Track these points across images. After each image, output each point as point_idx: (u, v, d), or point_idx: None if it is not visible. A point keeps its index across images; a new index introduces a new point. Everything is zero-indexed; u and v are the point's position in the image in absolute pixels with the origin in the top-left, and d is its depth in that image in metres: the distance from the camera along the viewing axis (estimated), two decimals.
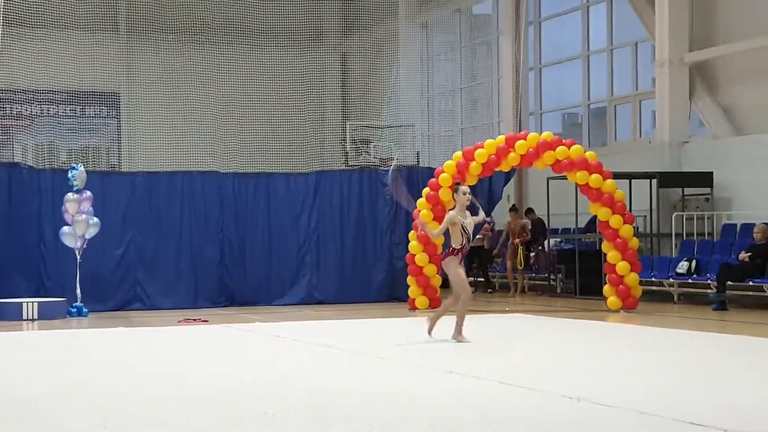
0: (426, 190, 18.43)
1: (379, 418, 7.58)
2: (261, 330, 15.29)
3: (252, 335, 14.73)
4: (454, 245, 12.51)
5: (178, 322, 16.62)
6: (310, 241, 20.88)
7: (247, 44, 31.95)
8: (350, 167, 24.90)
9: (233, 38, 31.96)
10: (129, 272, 19.87)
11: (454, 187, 13.03)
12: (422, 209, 18.30)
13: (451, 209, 13.02)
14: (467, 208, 12.64)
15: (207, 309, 19.14)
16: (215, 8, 31.90)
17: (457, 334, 12.56)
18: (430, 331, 12.80)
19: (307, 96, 32.99)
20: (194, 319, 16.91)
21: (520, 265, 22.82)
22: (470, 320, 14.19)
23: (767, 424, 7.15)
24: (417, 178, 20.66)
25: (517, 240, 22.81)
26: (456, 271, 12.51)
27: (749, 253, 17.68)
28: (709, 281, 18.29)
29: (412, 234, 18.48)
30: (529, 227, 23.60)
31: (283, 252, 20.74)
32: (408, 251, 18.65)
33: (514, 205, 23.21)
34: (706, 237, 20.53)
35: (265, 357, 12.00)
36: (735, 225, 20.22)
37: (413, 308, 18.49)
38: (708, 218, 20.76)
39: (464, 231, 12.43)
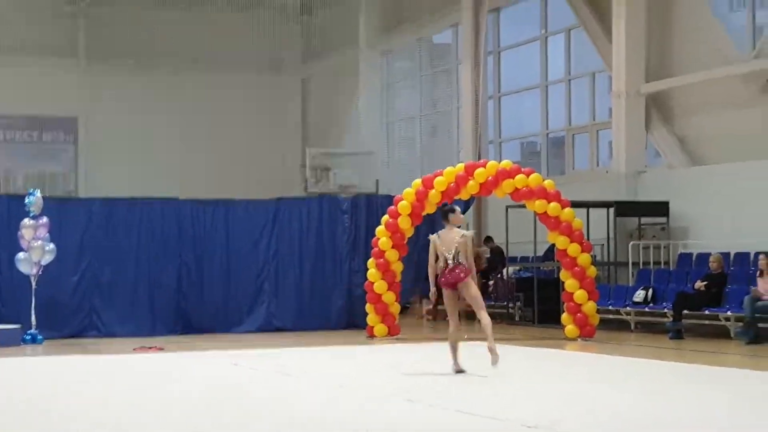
0: (385, 218, 18.44)
1: None
2: (218, 358, 15.19)
3: (209, 363, 14.62)
4: (438, 271, 12.32)
5: (134, 349, 16.48)
6: (269, 268, 20.81)
7: (206, 70, 32.00)
8: (310, 194, 24.90)
9: (193, 64, 31.99)
10: (85, 299, 19.67)
11: (444, 212, 12.70)
12: (381, 237, 18.30)
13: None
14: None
15: (163, 336, 18.99)
16: (176, 34, 31.89)
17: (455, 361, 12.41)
18: (457, 363, 12.45)
19: (267, 122, 33.02)
20: (150, 347, 16.77)
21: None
22: (429, 348, 14.23)
23: None
24: (376, 205, 20.67)
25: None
26: (445, 302, 12.35)
27: (705, 282, 17.83)
28: (665, 310, 18.41)
29: (371, 261, 18.48)
30: (487, 255, 23.66)
31: (242, 279, 20.64)
32: (367, 278, 18.63)
33: (473, 232, 23.24)
34: (663, 266, 20.69)
35: (221, 385, 11.92)
36: (691, 254, 20.41)
37: (372, 336, 18.46)
38: (664, 247, 20.94)
39: (441, 254, 12.17)
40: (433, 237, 12.40)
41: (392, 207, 18.44)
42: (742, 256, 19.21)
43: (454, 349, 12.39)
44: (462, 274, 12.04)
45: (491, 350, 11.95)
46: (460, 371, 12.28)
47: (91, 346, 17.48)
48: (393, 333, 18.51)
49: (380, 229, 18.41)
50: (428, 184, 18.16)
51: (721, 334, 17.79)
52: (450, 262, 12.10)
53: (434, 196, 18.06)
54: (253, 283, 20.68)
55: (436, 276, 12.35)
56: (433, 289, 12.67)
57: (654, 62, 22.25)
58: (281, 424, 8.77)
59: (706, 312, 17.76)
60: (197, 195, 22.00)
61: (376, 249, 18.40)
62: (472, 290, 12.21)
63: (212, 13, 31.87)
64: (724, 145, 20.77)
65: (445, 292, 12.22)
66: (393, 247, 18.28)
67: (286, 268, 20.82)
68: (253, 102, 32.73)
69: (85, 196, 25.36)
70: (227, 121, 32.23)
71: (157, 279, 20.05)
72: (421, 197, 18.14)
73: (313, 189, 27.68)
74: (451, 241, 12.18)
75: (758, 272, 17.05)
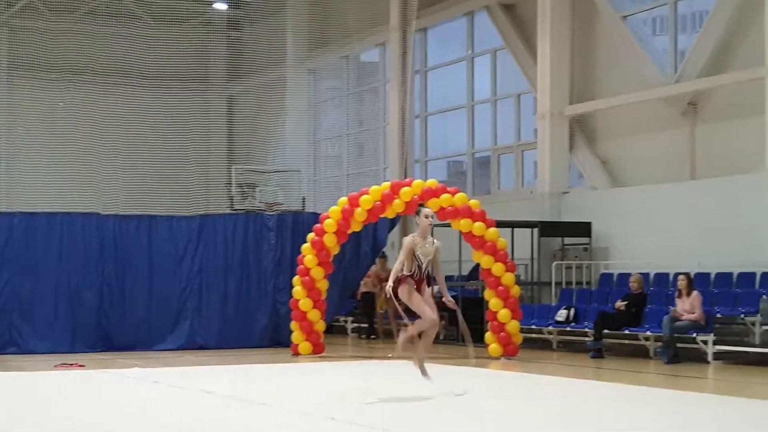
0: (311, 236, 18.41)
1: None
2: (139, 375, 15.01)
3: (130, 381, 14.44)
4: (405, 272, 11.65)
5: (54, 366, 16.23)
6: (193, 285, 20.65)
7: (131, 85, 31.67)
8: (235, 211, 24.76)
9: (117, 79, 31.64)
10: (4, 315, 19.35)
11: (416, 210, 12.09)
12: (307, 254, 18.27)
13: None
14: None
15: (84, 353, 18.74)
16: (99, 48, 31.54)
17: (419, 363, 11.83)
18: (424, 374, 11.87)
19: (193, 138, 32.79)
20: (71, 364, 16.53)
21: (381, 309, 22.84)
22: (354, 366, 14.17)
23: None
24: (302, 223, 20.63)
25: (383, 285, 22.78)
26: (410, 297, 11.59)
27: (625, 302, 18.06)
28: (586, 329, 18.60)
29: (296, 279, 18.42)
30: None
31: (165, 296, 20.44)
32: (292, 296, 18.58)
33: (383, 252, 23.19)
34: (585, 286, 20.93)
35: (142, 403, 11.78)
36: (612, 274, 20.67)
37: (296, 354, 18.39)
38: (586, 267, 21.18)
39: (417, 259, 11.58)
40: (409, 239, 11.71)
41: (318, 225, 18.42)
42: (661, 277, 19.51)
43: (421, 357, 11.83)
44: (426, 285, 11.70)
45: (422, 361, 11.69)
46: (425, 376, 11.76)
47: (10, 363, 17.18)
48: (318, 351, 18.46)
49: (306, 247, 18.37)
50: (354, 203, 18.17)
51: (640, 353, 18.03)
52: (422, 270, 11.62)
53: (360, 215, 18.08)
54: (176, 300, 20.50)
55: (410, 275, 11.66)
56: (390, 286, 11.77)
57: (578, 84, 22.56)
58: None
59: (626, 331, 17.99)
60: (120, 210, 21.76)
61: (301, 266, 18.36)
62: (430, 301, 11.76)
63: (138, 28, 31.61)
64: (645, 167, 21.11)
65: (409, 288, 11.59)
66: (318, 264, 18.25)
67: (210, 286, 20.67)
68: (179, 117, 32.46)
69: (4, 210, 24.92)
70: (151, 136, 31.93)
71: (78, 295, 19.79)
72: (347, 215, 18.14)
73: (239, 206, 27.56)
74: (428, 248, 11.69)
75: (677, 293, 17.31)
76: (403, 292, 11.54)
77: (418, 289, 11.59)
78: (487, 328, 18.25)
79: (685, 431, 9.36)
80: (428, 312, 11.51)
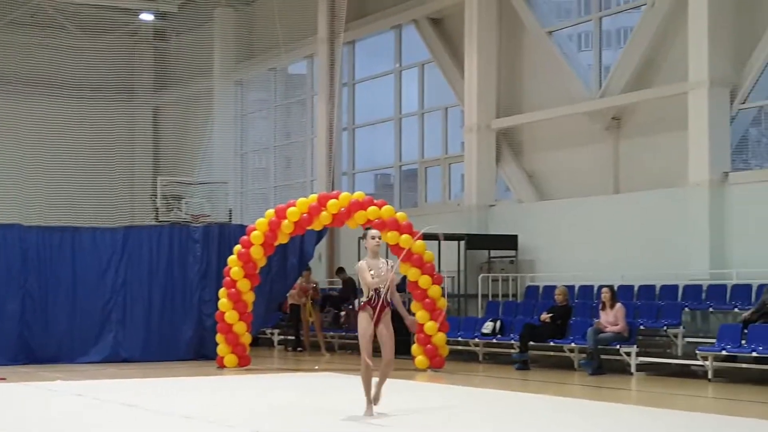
0: (237, 248, 18.30)
1: None
2: (62, 388, 14.79)
3: (52, 394, 14.22)
4: (363, 298, 11.23)
5: None
6: (117, 297, 20.40)
7: (56, 94, 31.25)
8: (160, 223, 24.53)
9: (42, 88, 31.21)
10: None
11: (363, 234, 11.53)
12: (233, 266, 18.15)
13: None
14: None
15: (6, 366, 18.40)
16: (24, 57, 31.12)
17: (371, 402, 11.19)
18: (375, 401, 11.23)
19: (117, 149, 32.47)
20: None
21: (309, 316, 22.74)
22: (279, 378, 14.07)
23: None
24: (228, 235, 20.49)
25: (305, 299, 22.74)
26: (361, 329, 11.05)
27: (550, 314, 18.22)
28: (512, 341, 18.72)
29: (222, 291, 18.30)
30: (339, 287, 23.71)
31: (88, 308, 20.17)
32: (217, 308, 18.43)
33: (308, 266, 23.14)
34: (511, 298, 21.07)
35: (64, 417, 11.60)
36: (538, 287, 20.84)
37: (222, 366, 18.25)
38: (512, 280, 21.33)
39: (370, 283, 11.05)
40: (362, 264, 11.26)
41: (245, 237, 18.31)
42: (586, 289, 19.71)
43: (368, 389, 11.18)
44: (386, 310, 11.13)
45: (376, 398, 11.12)
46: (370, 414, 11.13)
47: None
48: (243, 364, 18.34)
49: (232, 259, 18.26)
50: (281, 215, 18.10)
51: (565, 365, 18.18)
52: (381, 295, 11.08)
53: (287, 227, 18.02)
54: (100, 312, 20.24)
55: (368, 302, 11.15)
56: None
57: (505, 98, 22.75)
58: None
59: (552, 343, 18.13)
60: (43, 222, 21.44)
61: (227, 279, 18.23)
62: (390, 332, 11.21)
63: (63, 38, 31.22)
64: (571, 181, 21.34)
65: (365, 322, 11.11)
66: (245, 276, 18.14)
67: (134, 298, 20.44)
68: (104, 128, 32.11)
69: None
70: (76, 146, 31.53)
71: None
72: (273, 227, 18.06)
73: (164, 218, 27.29)
74: (381, 269, 11.18)
75: (601, 305, 17.49)
76: (359, 323, 11.11)
77: (378, 319, 11.06)
78: (413, 340, 18.27)
79: None
80: (364, 356, 10.94)
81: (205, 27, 32.19)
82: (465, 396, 13.99)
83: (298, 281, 22.46)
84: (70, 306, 20.05)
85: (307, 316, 22.79)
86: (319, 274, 24.12)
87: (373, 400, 11.01)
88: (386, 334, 11.09)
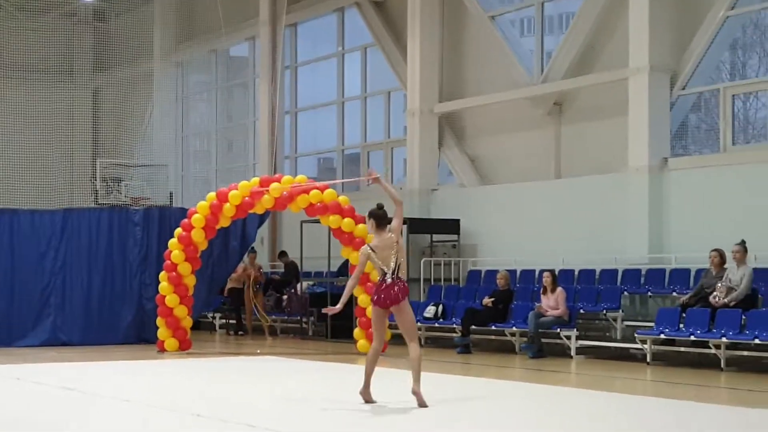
0: (178, 231, 18.16)
1: None
2: (0, 372, 14.59)
3: None
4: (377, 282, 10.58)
5: None
6: (56, 280, 20.20)
7: None
8: (100, 205, 24.29)
9: None
10: None
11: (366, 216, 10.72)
12: (174, 249, 18.01)
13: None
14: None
15: None
16: None
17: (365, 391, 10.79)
18: (368, 392, 10.82)
19: (56, 131, 32.05)
20: None
21: (254, 299, 22.68)
22: (221, 362, 13.95)
23: None
24: (169, 218, 20.35)
25: (256, 278, 22.71)
26: (373, 316, 10.68)
27: (492, 299, 18.34)
28: (454, 325, 18.81)
29: (162, 275, 18.16)
30: (281, 270, 23.66)
31: (27, 291, 19.97)
32: (158, 292, 18.30)
33: (252, 248, 23.04)
34: (453, 282, 21.16)
35: (3, 400, 11.45)
36: (480, 271, 20.94)
37: (162, 350, 18.14)
38: (455, 264, 21.41)
39: (378, 268, 10.47)
40: (365, 251, 10.55)
41: (186, 220, 18.18)
42: (527, 274, 19.84)
43: (369, 374, 10.78)
44: (400, 295, 10.39)
45: (416, 394, 10.32)
46: (369, 401, 10.70)
47: None
48: (184, 347, 18.24)
49: (173, 242, 18.13)
50: (223, 198, 18.00)
51: (506, 348, 18.31)
52: (389, 277, 10.39)
53: (228, 210, 17.92)
54: (38, 295, 20.04)
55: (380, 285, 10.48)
56: (339, 307, 10.68)
57: (447, 83, 22.79)
58: None
59: (493, 327, 18.25)
60: None
61: (168, 262, 18.10)
62: (408, 316, 10.55)
63: (1, 18, 30.73)
64: (512, 166, 21.45)
65: (376, 311, 10.56)
66: (186, 260, 18.02)
67: (73, 281, 20.25)
68: (42, 109, 31.68)
69: None
70: (13, 128, 31.09)
71: None
72: (215, 211, 17.96)
73: (104, 200, 27.02)
74: (389, 251, 10.43)
75: (542, 289, 17.64)
76: (373, 317, 10.68)
77: (388, 306, 10.46)
78: (355, 324, 18.28)
79: (549, 424, 9.52)
80: (380, 340, 10.65)
81: (146, 7, 31.86)
82: (406, 380, 14.01)
83: (241, 265, 22.39)
84: (8, 289, 19.83)
85: (251, 300, 22.70)
86: (261, 258, 24.03)
87: (414, 395, 10.29)
88: (402, 321, 10.53)
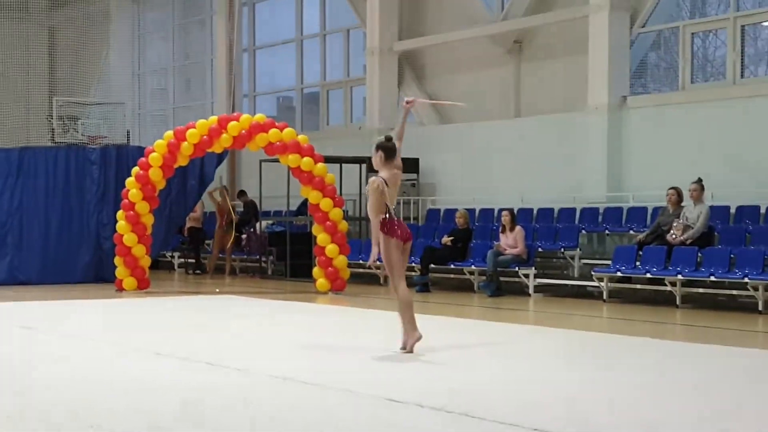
0: (135, 170, 18.02)
1: (81, 405, 7.35)
2: None
3: None
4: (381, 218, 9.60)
5: None
6: (13, 220, 20.04)
7: None
8: (57, 144, 24.00)
9: None
10: None
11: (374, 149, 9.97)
12: (131, 188, 17.88)
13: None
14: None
15: None
16: None
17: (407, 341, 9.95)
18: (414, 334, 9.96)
19: (12, 69, 31.58)
20: None
21: (225, 237, 22.60)
22: (180, 301, 13.89)
23: (478, 405, 7.44)
24: (127, 157, 20.20)
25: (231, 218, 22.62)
26: (384, 253, 9.61)
27: (451, 238, 18.41)
28: (413, 264, 18.85)
29: (120, 214, 18.04)
30: (240, 209, 23.58)
31: None
32: (116, 231, 18.20)
33: (225, 186, 22.96)
34: (412, 221, 21.20)
35: None
36: (439, 210, 20.99)
37: (120, 289, 18.07)
38: (414, 203, 21.44)
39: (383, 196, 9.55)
40: (381, 184, 9.58)
41: (143, 159, 18.04)
42: (486, 212, 19.92)
43: (412, 318, 9.96)
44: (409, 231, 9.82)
45: (419, 338, 9.89)
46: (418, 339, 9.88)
47: None
48: (143, 287, 18.19)
49: (130, 181, 17.99)
50: (180, 137, 17.85)
51: (465, 287, 18.42)
52: (393, 214, 9.65)
53: (186, 149, 17.79)
54: None
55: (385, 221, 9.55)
56: (375, 251, 9.63)
57: (407, 21, 22.65)
58: (20, 381, 8.44)
59: (452, 266, 18.34)
60: None
61: (126, 201, 17.98)
62: (407, 254, 9.84)
63: None
64: (472, 104, 21.39)
65: (398, 246, 9.59)
66: (144, 199, 17.90)
67: (30, 220, 20.11)
68: None
69: None
70: None
71: None
72: (173, 149, 17.82)
73: (61, 139, 26.71)
74: (394, 188, 9.75)
75: (501, 228, 17.71)
76: (386, 250, 9.56)
77: (409, 239, 9.73)
78: (314, 263, 18.30)
79: (507, 362, 9.60)
80: (394, 276, 9.71)
81: None
82: (366, 318, 14.08)
83: (200, 205, 22.32)
84: None
85: (222, 238, 22.45)
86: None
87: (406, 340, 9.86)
88: (404, 257, 9.77)
